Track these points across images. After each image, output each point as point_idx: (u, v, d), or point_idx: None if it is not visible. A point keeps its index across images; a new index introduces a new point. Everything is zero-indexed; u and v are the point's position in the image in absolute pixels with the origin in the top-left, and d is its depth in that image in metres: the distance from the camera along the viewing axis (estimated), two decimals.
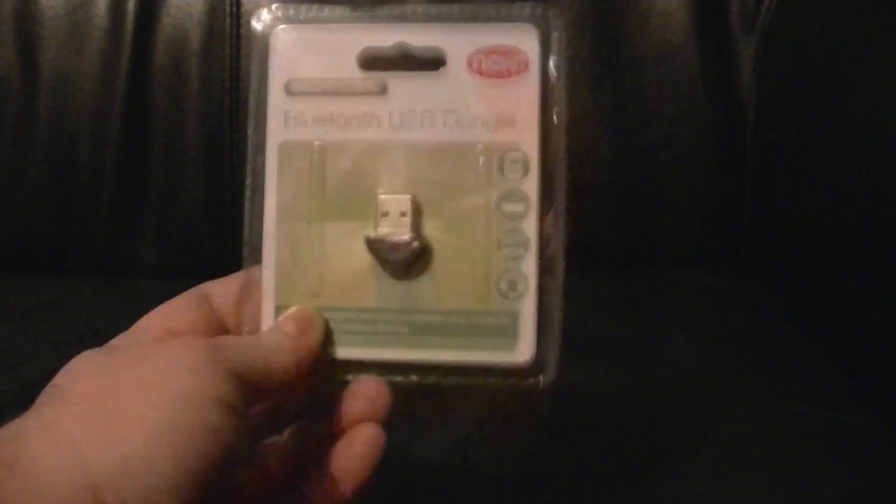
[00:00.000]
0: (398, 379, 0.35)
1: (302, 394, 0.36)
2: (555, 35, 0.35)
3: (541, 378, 0.35)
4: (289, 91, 0.36)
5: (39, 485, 0.27)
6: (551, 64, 0.35)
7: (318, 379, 0.35)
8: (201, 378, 0.30)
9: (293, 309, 0.35)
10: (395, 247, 0.35)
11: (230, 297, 0.36)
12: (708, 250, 0.80)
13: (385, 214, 0.35)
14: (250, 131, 0.37)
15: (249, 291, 0.36)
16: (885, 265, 0.57)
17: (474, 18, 0.35)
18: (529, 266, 0.35)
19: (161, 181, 0.79)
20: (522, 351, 0.35)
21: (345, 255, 0.35)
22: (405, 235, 0.35)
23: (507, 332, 0.35)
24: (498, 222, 0.35)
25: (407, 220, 0.35)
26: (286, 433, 0.37)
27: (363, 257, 0.35)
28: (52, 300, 0.73)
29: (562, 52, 0.35)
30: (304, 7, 0.36)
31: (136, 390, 0.29)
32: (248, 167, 0.37)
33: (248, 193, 0.36)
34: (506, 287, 0.35)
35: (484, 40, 0.35)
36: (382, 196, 0.35)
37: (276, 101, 0.36)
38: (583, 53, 0.78)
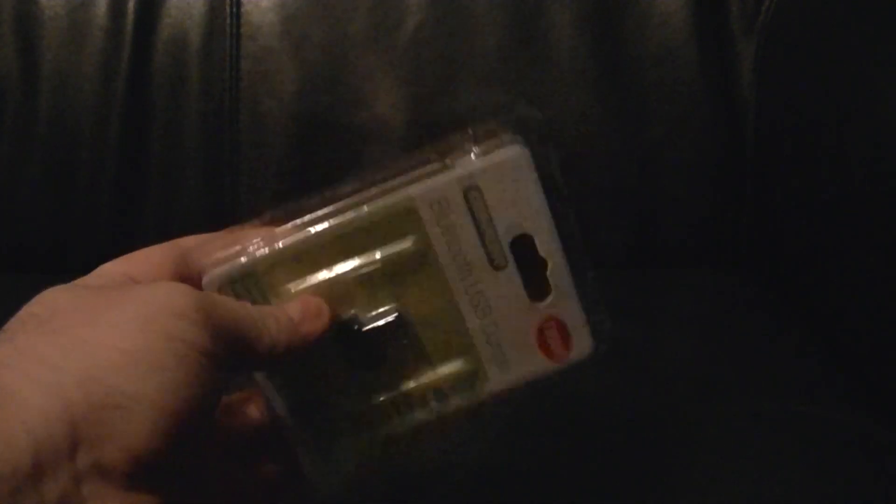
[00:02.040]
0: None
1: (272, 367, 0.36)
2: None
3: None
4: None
5: (14, 417, 0.26)
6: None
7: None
8: (183, 323, 0.29)
9: (309, 299, 0.35)
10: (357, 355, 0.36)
11: (208, 254, 0.36)
12: (708, 250, 0.80)
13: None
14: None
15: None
16: (885, 265, 0.57)
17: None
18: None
19: (161, 181, 0.79)
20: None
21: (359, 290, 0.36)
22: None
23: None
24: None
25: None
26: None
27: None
28: None
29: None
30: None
31: (121, 327, 0.29)
32: None
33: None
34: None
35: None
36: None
37: None
38: (583, 53, 0.78)
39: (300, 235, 0.35)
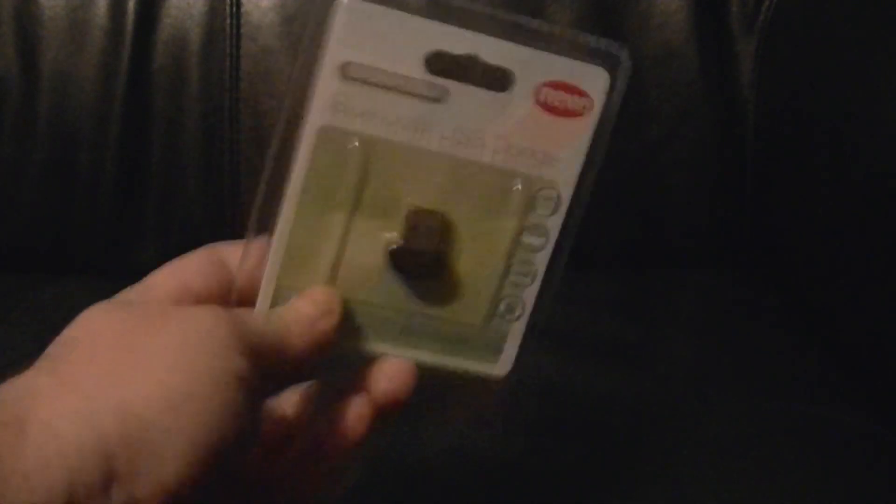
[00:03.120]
0: None
1: (307, 374, 0.35)
2: (619, 85, 0.35)
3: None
4: (344, 74, 0.32)
5: (49, 449, 0.26)
6: (610, 113, 0.35)
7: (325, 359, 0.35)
8: (224, 352, 0.29)
9: (315, 289, 0.34)
10: (416, 262, 0.35)
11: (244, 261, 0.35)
12: (708, 250, 0.80)
13: (412, 228, 0.34)
14: (287, 104, 0.33)
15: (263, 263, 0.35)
16: (885, 265, 0.57)
17: (551, 47, 0.34)
18: (530, 296, 0.36)
19: (161, 181, 0.79)
20: (502, 366, 0.37)
21: (361, 251, 0.35)
22: (427, 252, 0.35)
23: (492, 347, 0.37)
24: (515, 251, 0.35)
25: (434, 238, 0.35)
26: (287, 403, 0.37)
27: (377, 258, 0.35)
28: (52, 300, 0.73)
29: (619, 102, 0.35)
30: None
31: (157, 355, 0.28)
32: (275, 141, 0.34)
33: (270, 164, 0.34)
34: (504, 309, 0.36)
35: (556, 74, 0.34)
36: (413, 209, 0.34)
37: (327, 82, 0.32)
38: None
39: None
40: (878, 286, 0.58)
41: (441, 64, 0.33)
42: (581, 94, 0.34)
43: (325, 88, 0.32)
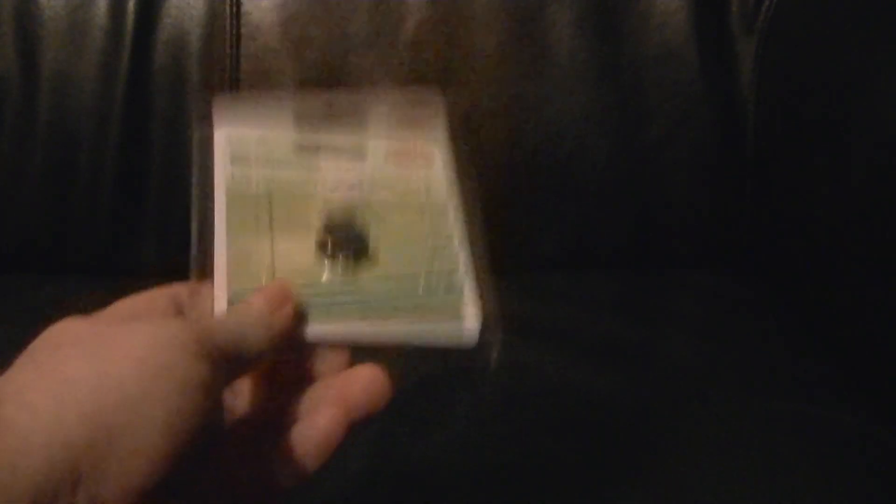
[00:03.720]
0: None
1: (269, 366, 0.36)
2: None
3: (489, 357, 0.37)
4: (233, 161, 0.39)
5: (16, 451, 0.26)
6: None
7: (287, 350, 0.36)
8: (186, 358, 0.30)
9: (267, 285, 0.36)
10: (344, 241, 0.38)
11: (190, 296, 0.37)
12: (708, 250, 0.80)
13: (331, 222, 0.38)
14: (195, 181, 0.39)
15: (202, 286, 0.37)
16: (884, 265, 0.57)
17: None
18: (461, 253, 0.38)
19: (161, 181, 0.79)
20: (469, 327, 0.37)
21: (293, 250, 0.37)
22: (352, 234, 0.38)
23: (451, 312, 0.37)
24: (430, 226, 0.39)
25: (354, 225, 0.38)
26: (248, 400, 0.38)
27: (311, 251, 0.38)
28: (52, 300, 0.73)
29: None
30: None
31: (123, 361, 0.29)
32: (194, 208, 0.38)
33: (195, 216, 0.38)
34: (442, 271, 0.38)
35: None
36: (330, 205, 0.38)
37: (221, 168, 0.39)
38: (583, 53, 0.78)
39: None
40: (877, 286, 0.58)
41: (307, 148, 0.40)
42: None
43: (222, 170, 0.39)
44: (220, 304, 0.36)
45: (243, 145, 0.39)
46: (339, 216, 0.38)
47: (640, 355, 0.62)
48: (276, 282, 0.36)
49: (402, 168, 0.40)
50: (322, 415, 0.35)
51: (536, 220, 0.79)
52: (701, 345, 0.64)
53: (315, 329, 0.36)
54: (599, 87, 0.78)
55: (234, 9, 0.78)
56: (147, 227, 0.80)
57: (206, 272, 0.37)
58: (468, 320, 0.36)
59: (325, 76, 0.78)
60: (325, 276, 0.37)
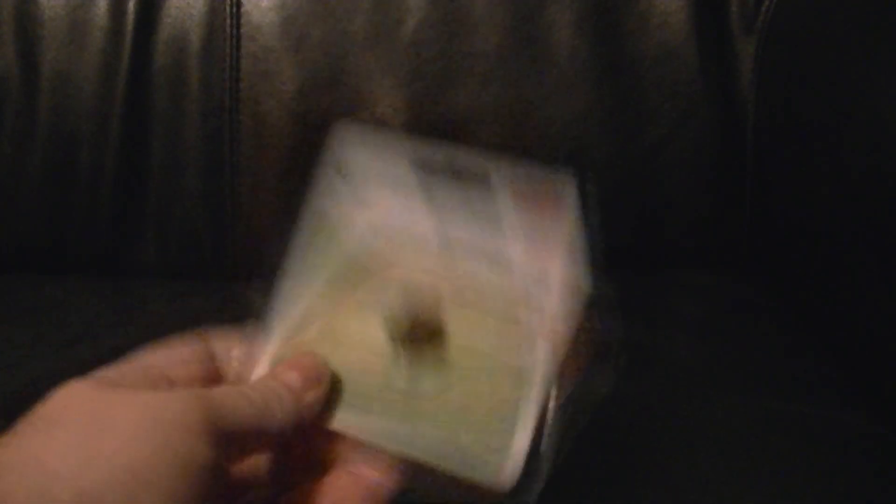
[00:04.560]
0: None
1: (290, 447, 0.34)
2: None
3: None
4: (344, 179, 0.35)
5: None
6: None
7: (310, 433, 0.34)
8: (192, 439, 0.29)
9: (300, 355, 0.33)
10: (414, 330, 0.33)
11: (232, 349, 0.35)
12: (708, 250, 0.80)
13: (409, 296, 0.33)
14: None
15: (253, 344, 0.34)
16: (884, 265, 0.57)
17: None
18: (530, 410, 0.33)
19: (161, 181, 0.79)
20: (505, 476, 0.33)
21: (360, 323, 0.34)
22: (426, 320, 0.33)
23: (494, 453, 0.33)
24: (520, 353, 0.33)
25: (429, 306, 0.33)
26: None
27: (373, 327, 0.33)
28: (52, 300, 0.73)
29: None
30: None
31: (125, 438, 0.28)
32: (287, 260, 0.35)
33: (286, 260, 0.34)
34: (507, 413, 0.33)
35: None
36: (408, 280, 0.33)
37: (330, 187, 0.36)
38: (583, 53, 0.78)
39: None
40: (877, 286, 0.58)
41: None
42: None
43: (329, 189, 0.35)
44: (262, 369, 0.33)
45: (361, 185, 0.35)
46: (420, 304, 0.33)
47: (640, 355, 0.62)
48: (313, 357, 0.33)
49: (516, 278, 0.34)
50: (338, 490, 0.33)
51: None
52: (701, 345, 0.64)
53: (345, 418, 0.33)
54: (599, 87, 0.78)
55: (234, 9, 0.79)
56: (147, 227, 0.80)
57: (262, 328, 0.34)
58: (505, 474, 0.33)
59: (326, 76, 0.78)
60: (380, 366, 0.33)
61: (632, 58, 0.79)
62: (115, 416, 0.29)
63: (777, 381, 0.59)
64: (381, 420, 0.32)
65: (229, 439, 0.30)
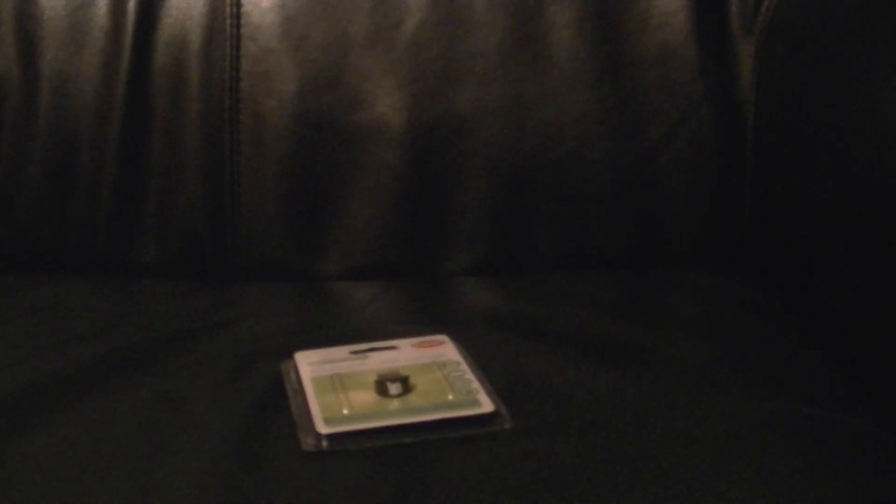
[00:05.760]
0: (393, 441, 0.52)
1: None
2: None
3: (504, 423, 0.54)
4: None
5: None
6: None
7: None
8: None
9: None
10: (394, 381, 0.57)
11: None
12: (708, 250, 0.80)
13: (383, 376, 0.58)
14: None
15: None
16: (884, 265, 0.57)
17: None
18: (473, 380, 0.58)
19: (161, 181, 0.79)
20: (486, 406, 0.55)
21: (363, 395, 0.57)
22: (399, 382, 0.57)
23: (470, 403, 0.55)
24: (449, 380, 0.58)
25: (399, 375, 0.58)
26: None
27: (373, 395, 0.57)
28: (52, 300, 0.73)
29: None
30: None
31: None
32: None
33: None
34: (464, 392, 0.57)
35: None
36: (381, 372, 0.59)
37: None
38: (583, 53, 0.78)
39: None
40: (877, 286, 0.58)
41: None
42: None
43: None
44: (320, 425, 0.52)
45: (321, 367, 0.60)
46: (388, 374, 0.58)
47: (640, 355, 0.62)
48: None
49: (423, 350, 0.62)
50: None
51: (536, 220, 0.79)
52: (701, 345, 0.64)
53: (373, 426, 0.53)
54: (599, 87, 0.78)
55: (234, 9, 0.79)
56: (147, 227, 0.80)
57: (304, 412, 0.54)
58: (485, 406, 0.55)
59: (326, 76, 0.78)
60: (383, 405, 0.55)
61: (631, 58, 0.79)
62: None
63: (777, 381, 0.59)
64: (394, 421, 0.54)
65: None
